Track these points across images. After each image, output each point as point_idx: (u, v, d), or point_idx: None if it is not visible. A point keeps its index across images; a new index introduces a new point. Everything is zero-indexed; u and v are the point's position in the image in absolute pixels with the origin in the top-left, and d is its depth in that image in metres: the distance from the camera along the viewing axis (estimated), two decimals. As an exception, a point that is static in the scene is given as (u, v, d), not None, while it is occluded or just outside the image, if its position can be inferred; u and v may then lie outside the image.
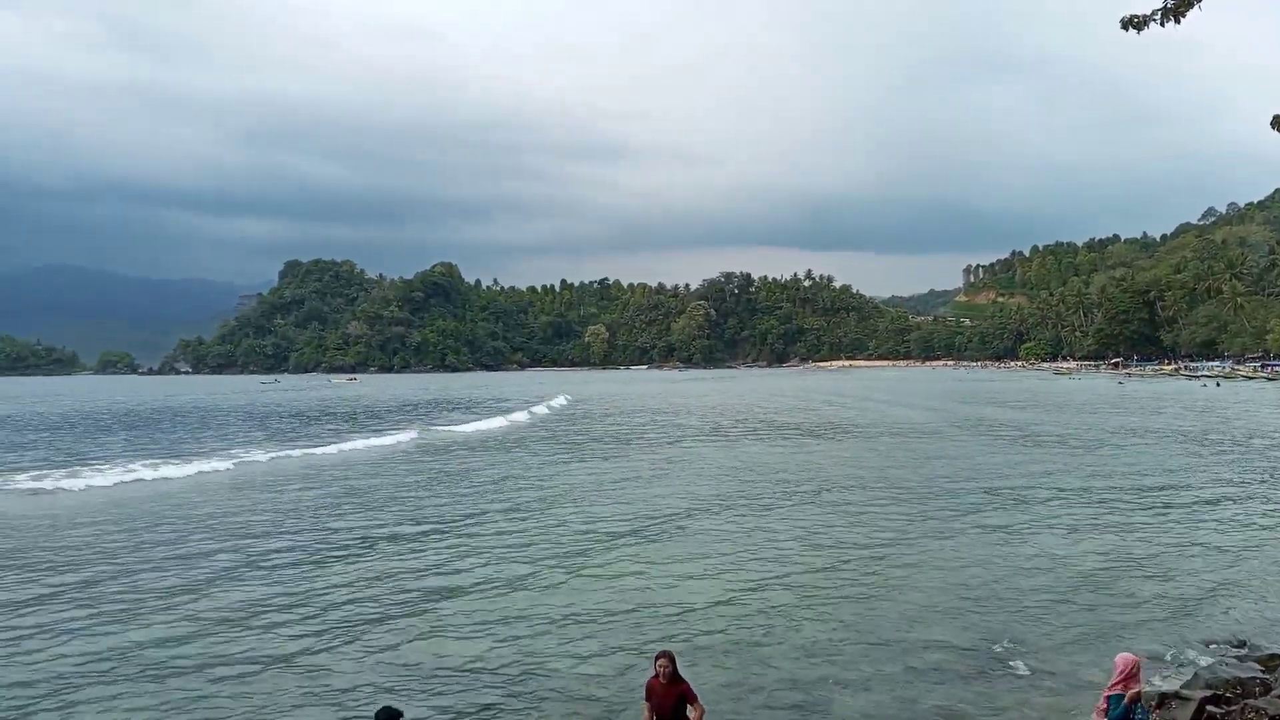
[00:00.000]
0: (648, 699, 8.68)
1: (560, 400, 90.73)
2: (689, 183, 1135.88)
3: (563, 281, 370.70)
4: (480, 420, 62.83)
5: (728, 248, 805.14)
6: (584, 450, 42.29)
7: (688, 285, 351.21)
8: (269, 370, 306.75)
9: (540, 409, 76.66)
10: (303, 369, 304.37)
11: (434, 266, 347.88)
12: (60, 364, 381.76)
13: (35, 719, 11.00)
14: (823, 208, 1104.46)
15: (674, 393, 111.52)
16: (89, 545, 20.79)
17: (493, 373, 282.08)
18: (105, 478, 32.63)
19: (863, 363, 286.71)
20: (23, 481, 31.68)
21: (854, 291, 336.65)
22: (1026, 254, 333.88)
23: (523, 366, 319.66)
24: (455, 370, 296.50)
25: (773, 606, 15.29)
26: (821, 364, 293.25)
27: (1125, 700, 8.23)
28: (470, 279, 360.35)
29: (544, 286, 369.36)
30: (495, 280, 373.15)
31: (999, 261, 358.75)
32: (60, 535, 22.11)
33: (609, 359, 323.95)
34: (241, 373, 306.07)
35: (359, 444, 45.99)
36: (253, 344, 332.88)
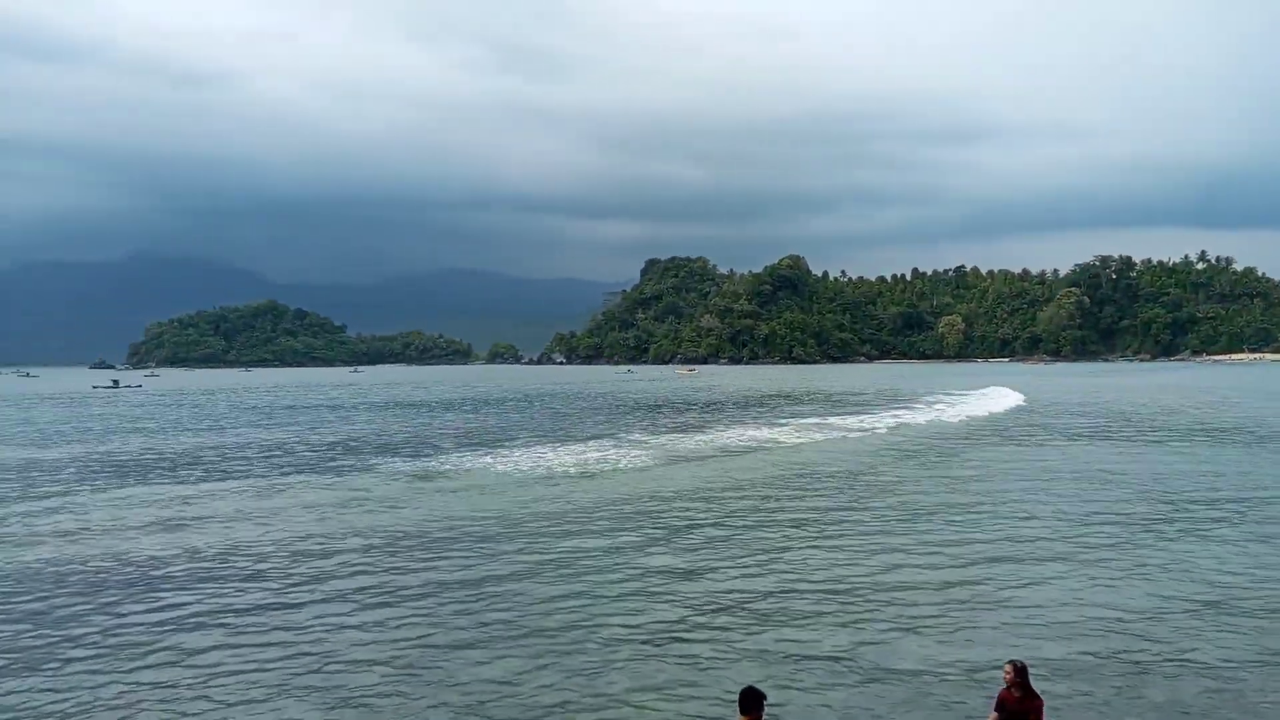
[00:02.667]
0: (997, 709, 8.87)
1: (1011, 396, 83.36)
2: (1059, 160, 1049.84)
3: (914, 270, 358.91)
4: (930, 412, 64.72)
5: (1102, 229, 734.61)
6: (1068, 448, 41.09)
7: (1055, 271, 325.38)
8: (632, 360, 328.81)
9: (995, 404, 72.78)
10: (660, 360, 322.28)
11: (782, 260, 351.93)
12: (458, 354, 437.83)
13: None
14: (1218, 180, 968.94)
15: (1101, 386, 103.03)
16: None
17: (840, 365, 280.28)
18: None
19: (1270, 356, 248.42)
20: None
21: (1259, 275, 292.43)
22: None
23: (870, 359, 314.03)
24: (801, 362, 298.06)
25: (1158, 622, 14.84)
26: (1218, 357, 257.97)
27: None
28: (818, 271, 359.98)
29: (894, 276, 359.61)
30: (843, 271, 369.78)
31: None
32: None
33: (964, 351, 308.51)
34: (608, 363, 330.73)
35: (842, 432, 50.00)
36: (617, 337, 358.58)
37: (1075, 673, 12.55)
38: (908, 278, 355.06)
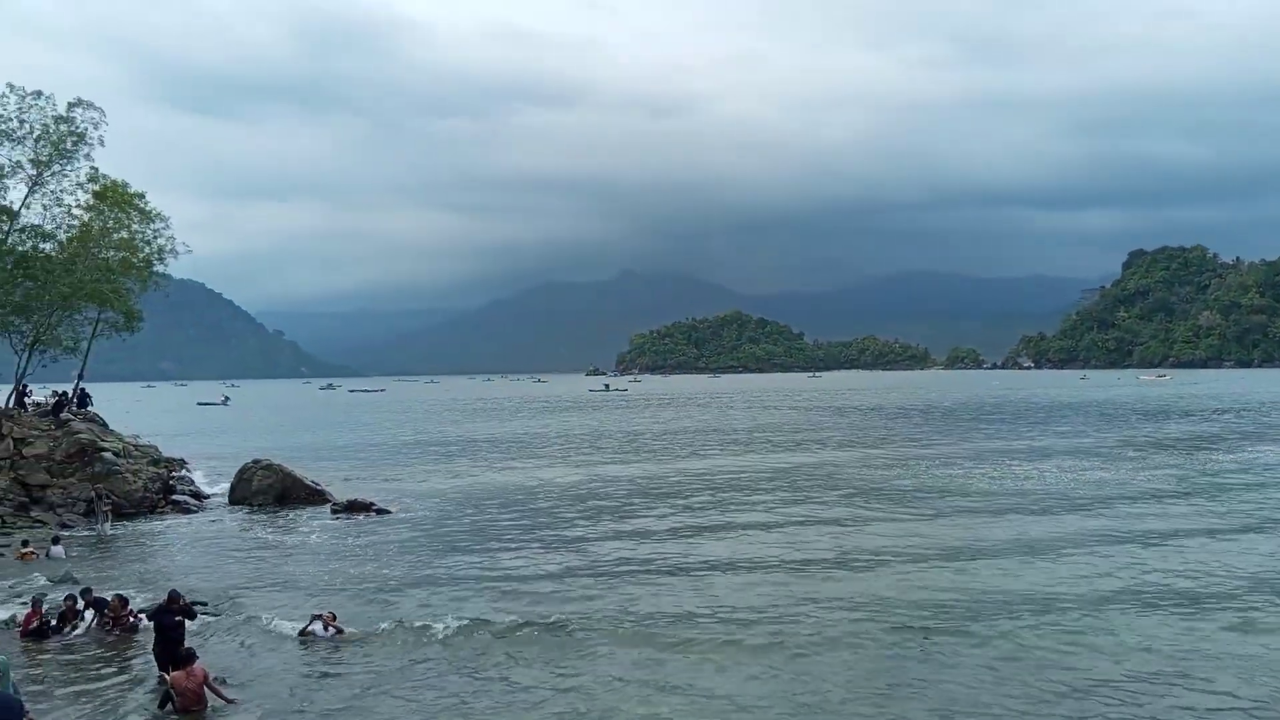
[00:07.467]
0: None
1: None
2: None
3: None
4: None
5: None
6: None
7: None
8: (1112, 365, 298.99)
9: None
10: (1148, 363, 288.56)
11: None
12: (914, 359, 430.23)
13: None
14: None
15: None
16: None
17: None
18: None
19: None
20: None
21: None
22: None
23: None
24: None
25: None
26: None
27: None
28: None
29: None
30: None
31: None
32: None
33: None
34: (1082, 367, 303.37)
35: None
36: (1094, 338, 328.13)
37: None
38: None
